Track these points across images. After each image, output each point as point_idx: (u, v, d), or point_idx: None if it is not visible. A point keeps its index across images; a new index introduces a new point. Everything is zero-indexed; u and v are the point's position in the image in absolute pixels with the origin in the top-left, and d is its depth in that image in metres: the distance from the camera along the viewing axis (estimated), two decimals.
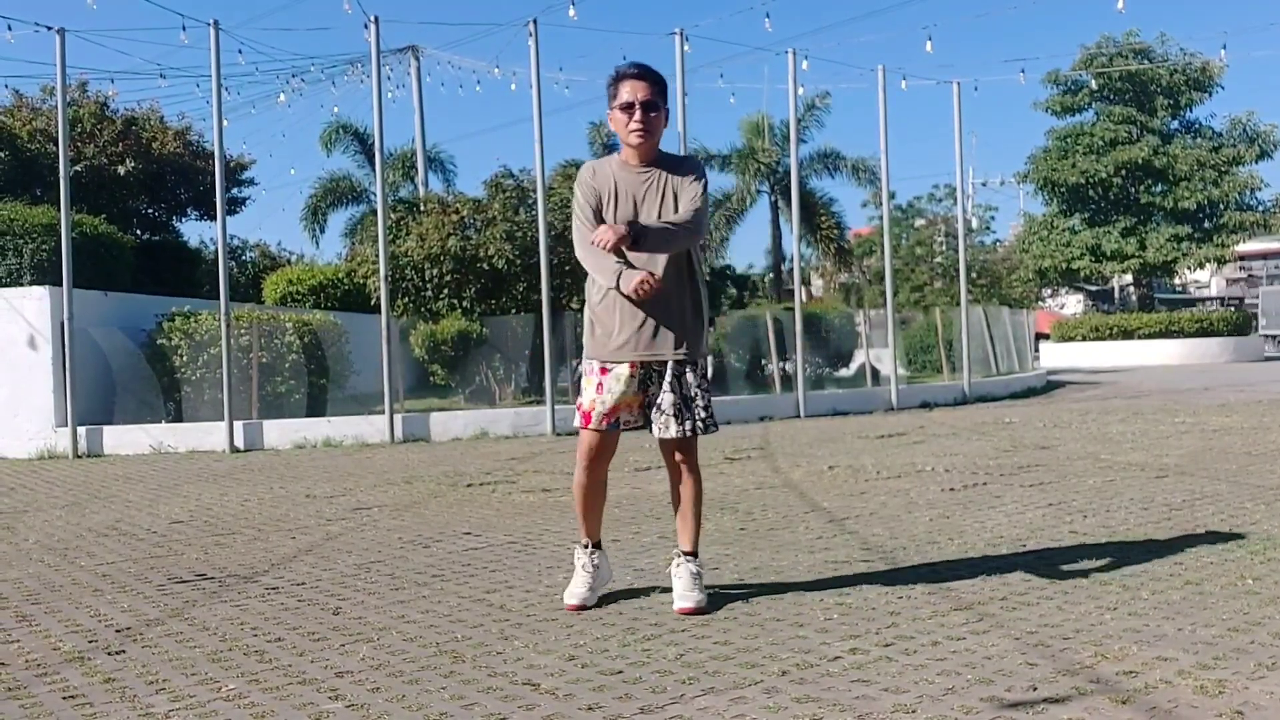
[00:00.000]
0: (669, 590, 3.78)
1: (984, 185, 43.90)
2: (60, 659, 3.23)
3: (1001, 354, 19.44)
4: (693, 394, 3.51)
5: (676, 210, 3.50)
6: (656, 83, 3.51)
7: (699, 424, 3.53)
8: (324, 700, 2.73)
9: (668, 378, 3.49)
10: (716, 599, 3.63)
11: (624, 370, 3.50)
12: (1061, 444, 8.43)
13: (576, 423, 3.62)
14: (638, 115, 3.46)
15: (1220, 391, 15.05)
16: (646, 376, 3.54)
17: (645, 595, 3.74)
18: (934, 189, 34.25)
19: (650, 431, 3.59)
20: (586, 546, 3.71)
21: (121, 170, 19.10)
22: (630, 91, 3.47)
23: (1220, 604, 3.31)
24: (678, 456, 3.57)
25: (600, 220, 3.55)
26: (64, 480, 8.59)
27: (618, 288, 3.40)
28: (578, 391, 3.79)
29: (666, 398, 3.49)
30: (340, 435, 11.03)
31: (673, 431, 3.50)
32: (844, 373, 18.40)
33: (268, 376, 11.66)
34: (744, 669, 2.85)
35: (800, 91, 15.58)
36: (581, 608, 3.57)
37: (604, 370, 3.52)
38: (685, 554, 3.60)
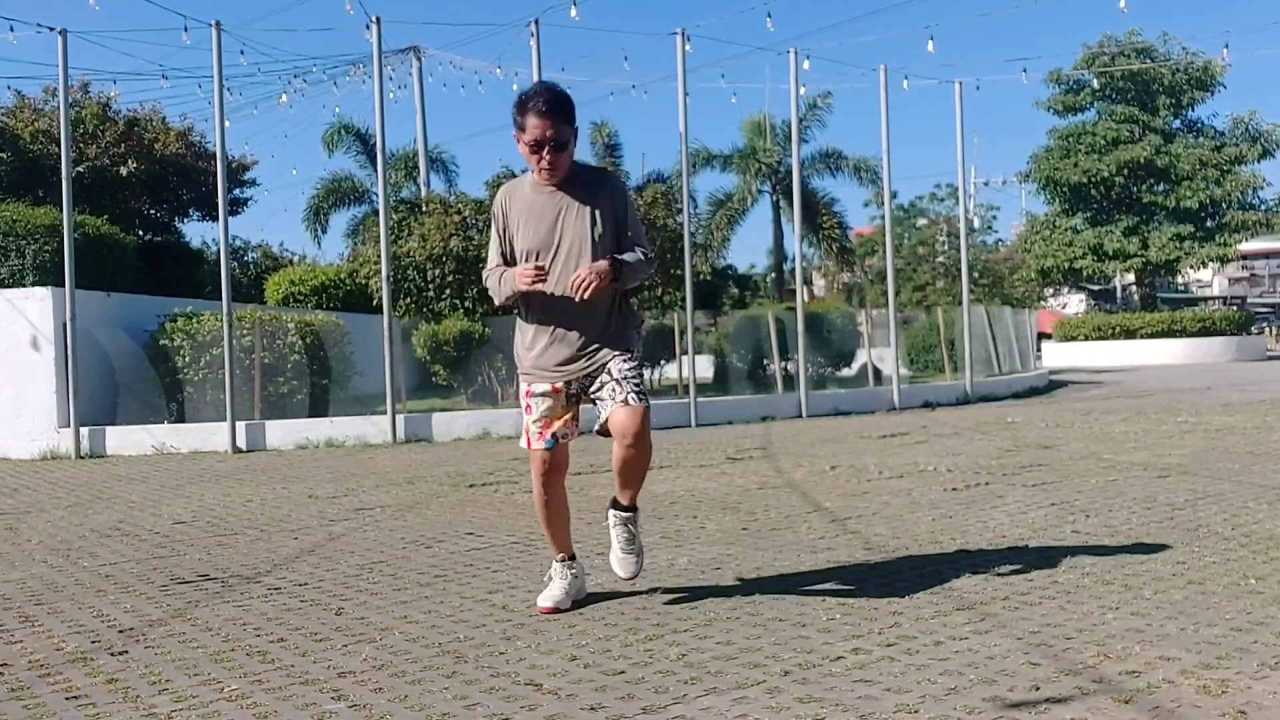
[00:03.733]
0: (671, 590, 3.79)
1: (986, 185, 43.89)
2: (63, 659, 3.23)
3: (1004, 354, 19.43)
4: (622, 372, 3.44)
5: (595, 225, 3.43)
6: (564, 113, 3.37)
7: (631, 395, 3.40)
8: (326, 700, 2.73)
9: (598, 376, 3.47)
10: (717, 599, 3.63)
11: (546, 389, 3.50)
12: (1064, 444, 8.42)
13: (521, 443, 3.63)
14: (547, 157, 3.38)
15: (1223, 391, 15.03)
16: (572, 392, 3.52)
17: (647, 595, 3.74)
18: (936, 188, 34.23)
19: (599, 432, 3.54)
20: (562, 560, 3.69)
21: (124, 171, 19.11)
22: (538, 129, 3.35)
23: (1223, 603, 3.31)
24: (626, 430, 3.40)
25: (509, 250, 3.54)
26: (67, 481, 8.60)
27: (513, 294, 3.46)
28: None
29: (602, 388, 3.46)
30: (343, 436, 11.03)
31: (607, 408, 3.43)
32: (846, 372, 18.40)
33: (270, 377, 11.67)
34: (746, 669, 2.85)
35: (802, 91, 15.59)
36: (555, 610, 3.56)
37: (528, 391, 3.54)
38: (623, 508, 3.62)
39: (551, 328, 3.48)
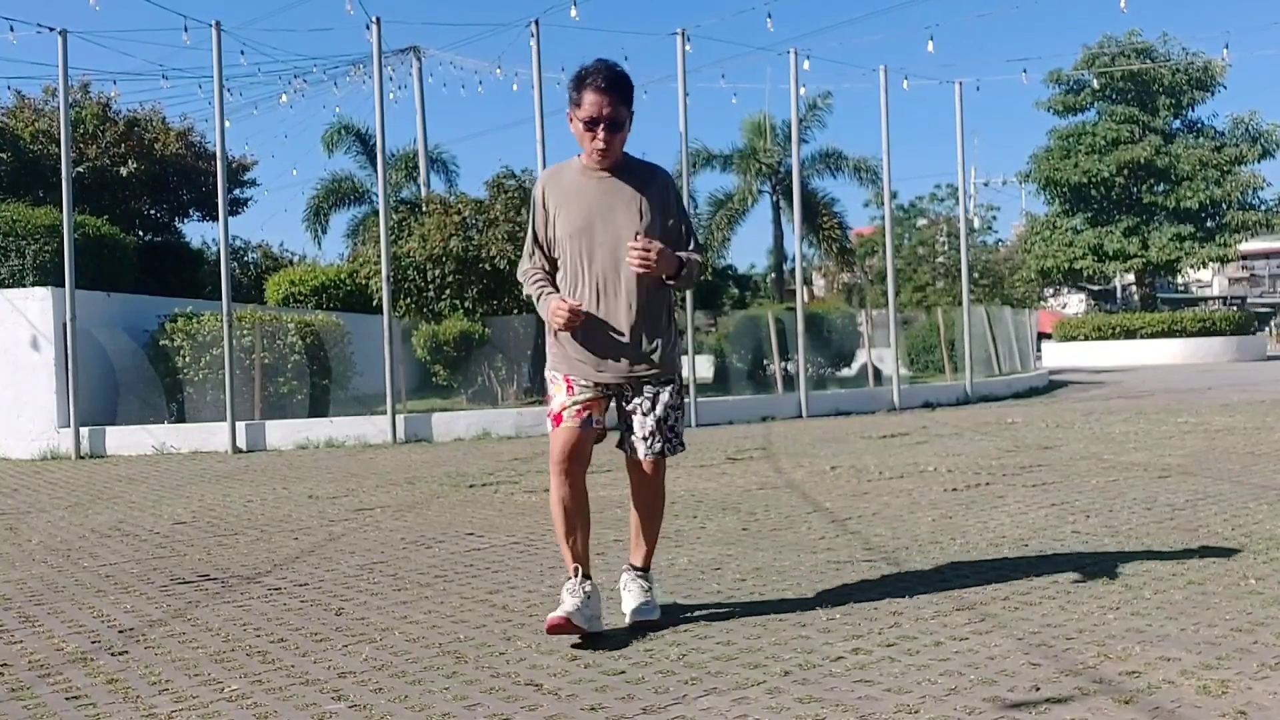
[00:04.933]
0: (670, 591, 3.78)
1: (986, 185, 43.93)
2: (63, 659, 3.23)
3: (1004, 354, 19.43)
4: (665, 414, 3.32)
5: (642, 216, 3.26)
6: (623, 93, 3.22)
7: (668, 446, 3.33)
8: (327, 701, 2.73)
9: (642, 398, 3.31)
10: (717, 599, 3.63)
11: (588, 385, 3.30)
12: (1064, 444, 8.42)
13: (547, 428, 3.37)
14: (602, 135, 3.21)
15: (1223, 391, 15.03)
16: (615, 391, 3.34)
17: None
18: (936, 189, 34.20)
19: (619, 446, 3.41)
20: (574, 575, 3.27)
21: (124, 171, 19.11)
22: (594, 106, 3.18)
23: (1223, 604, 3.31)
24: (644, 474, 3.36)
25: (544, 241, 3.37)
26: (67, 481, 8.60)
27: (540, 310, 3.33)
28: (543, 395, 3.58)
29: (636, 418, 3.31)
30: (343, 436, 11.03)
31: (641, 454, 3.32)
32: (846, 373, 18.41)
33: (270, 377, 11.67)
34: (747, 669, 2.85)
35: (802, 91, 15.59)
36: (568, 622, 3.10)
37: (569, 385, 3.31)
38: (637, 570, 3.42)
39: (598, 327, 3.26)
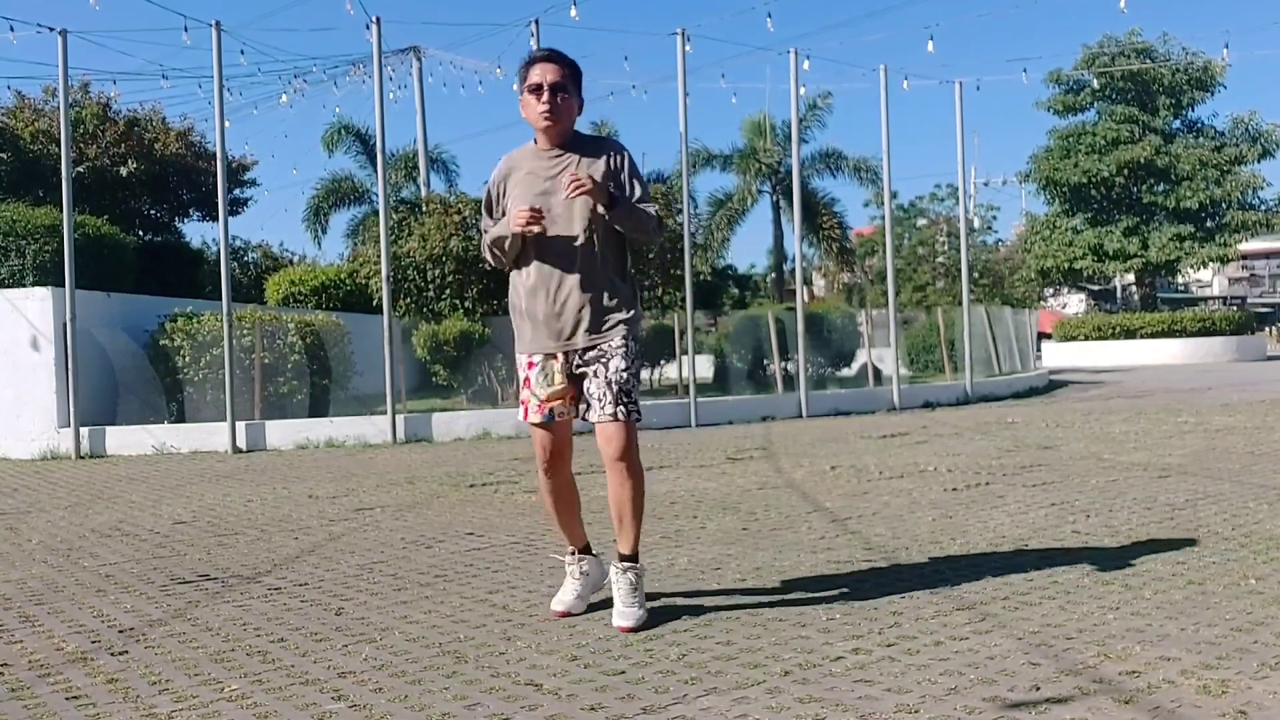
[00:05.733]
0: (670, 591, 3.79)
1: (986, 185, 43.94)
2: (63, 659, 3.23)
3: (1004, 354, 19.44)
4: (616, 377, 3.35)
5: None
6: (568, 66, 3.41)
7: (619, 409, 3.33)
8: (327, 700, 2.73)
9: (595, 364, 3.38)
10: (717, 599, 3.63)
11: (551, 364, 3.41)
12: (1064, 444, 8.42)
13: (519, 417, 3.54)
14: (545, 96, 3.35)
15: (1223, 391, 15.03)
16: (575, 366, 3.42)
17: (647, 596, 3.73)
18: (936, 189, 34.24)
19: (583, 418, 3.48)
20: (572, 553, 3.61)
21: (124, 171, 19.12)
22: (539, 73, 3.37)
23: (1223, 604, 3.31)
24: (610, 451, 3.35)
25: (500, 215, 3.50)
26: (67, 481, 8.60)
27: (510, 245, 3.40)
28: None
29: (592, 383, 3.37)
30: (343, 436, 11.03)
31: (594, 415, 3.36)
32: (846, 373, 18.40)
33: (270, 377, 11.66)
34: (747, 669, 2.85)
35: (802, 91, 15.59)
36: (566, 614, 3.48)
37: (529, 364, 3.46)
38: (623, 558, 3.41)
39: (548, 289, 3.38)
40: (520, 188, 3.44)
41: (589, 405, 3.40)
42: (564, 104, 3.40)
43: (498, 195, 3.53)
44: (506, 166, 3.53)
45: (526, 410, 3.48)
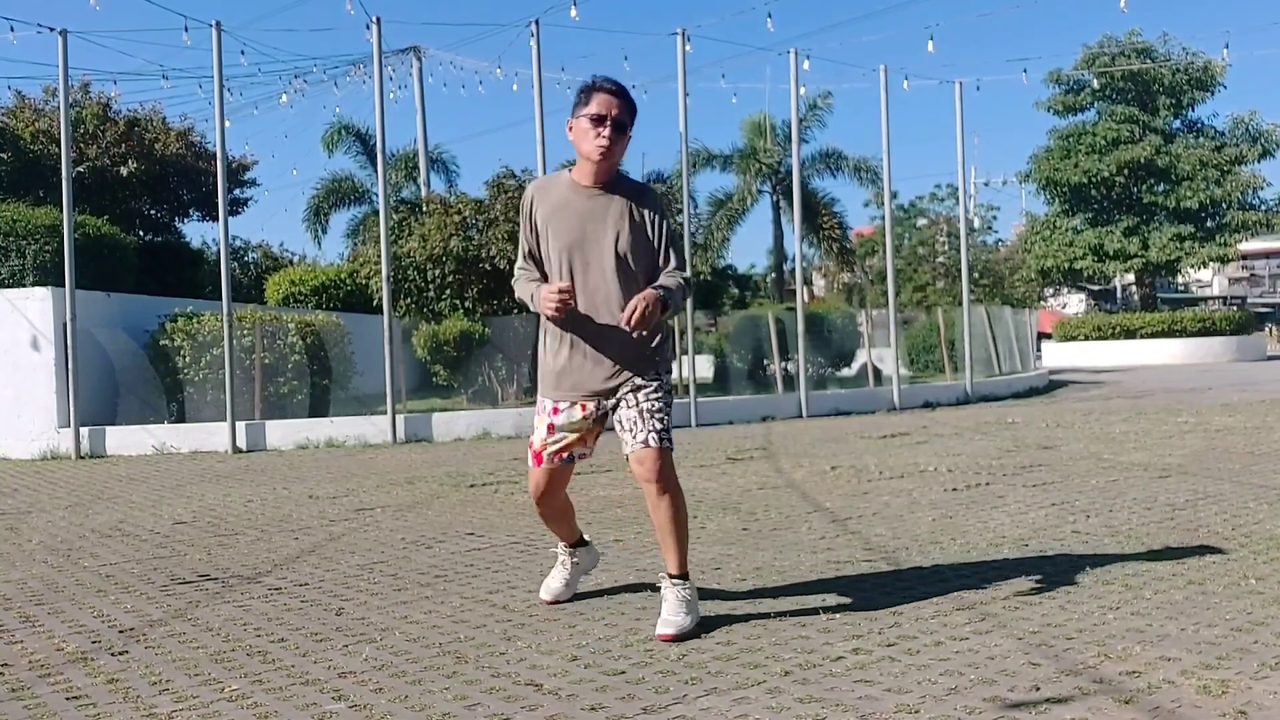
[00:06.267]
0: None
1: (986, 185, 43.95)
2: (64, 659, 3.23)
3: (1004, 354, 19.43)
4: (648, 407, 3.29)
5: (630, 235, 3.31)
6: (630, 106, 3.34)
7: (651, 436, 3.26)
8: (327, 701, 2.73)
9: (628, 395, 3.32)
10: (717, 599, 3.63)
11: (576, 411, 3.37)
12: (1064, 444, 8.42)
13: (529, 461, 3.50)
14: (607, 131, 3.27)
15: (1223, 391, 15.03)
16: (601, 408, 3.38)
17: (647, 595, 3.74)
18: (936, 189, 34.21)
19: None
20: (565, 547, 3.74)
21: (124, 171, 19.11)
22: (604, 105, 3.28)
23: (1223, 604, 3.31)
24: (644, 474, 3.28)
25: (537, 249, 3.43)
26: (67, 481, 8.60)
27: (537, 309, 3.36)
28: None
29: (624, 413, 3.32)
30: (343, 436, 11.03)
31: (628, 447, 3.29)
32: (846, 373, 18.41)
33: (270, 377, 11.67)
34: (747, 669, 2.85)
35: (802, 91, 15.60)
36: (554, 602, 3.63)
37: (555, 410, 3.39)
38: (671, 577, 3.31)
39: (583, 340, 3.33)
40: (558, 224, 3.36)
41: (622, 430, 3.34)
42: (620, 143, 3.33)
43: (531, 229, 3.44)
44: (541, 198, 3.43)
45: (540, 457, 3.44)
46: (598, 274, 3.32)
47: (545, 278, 3.45)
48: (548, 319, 3.36)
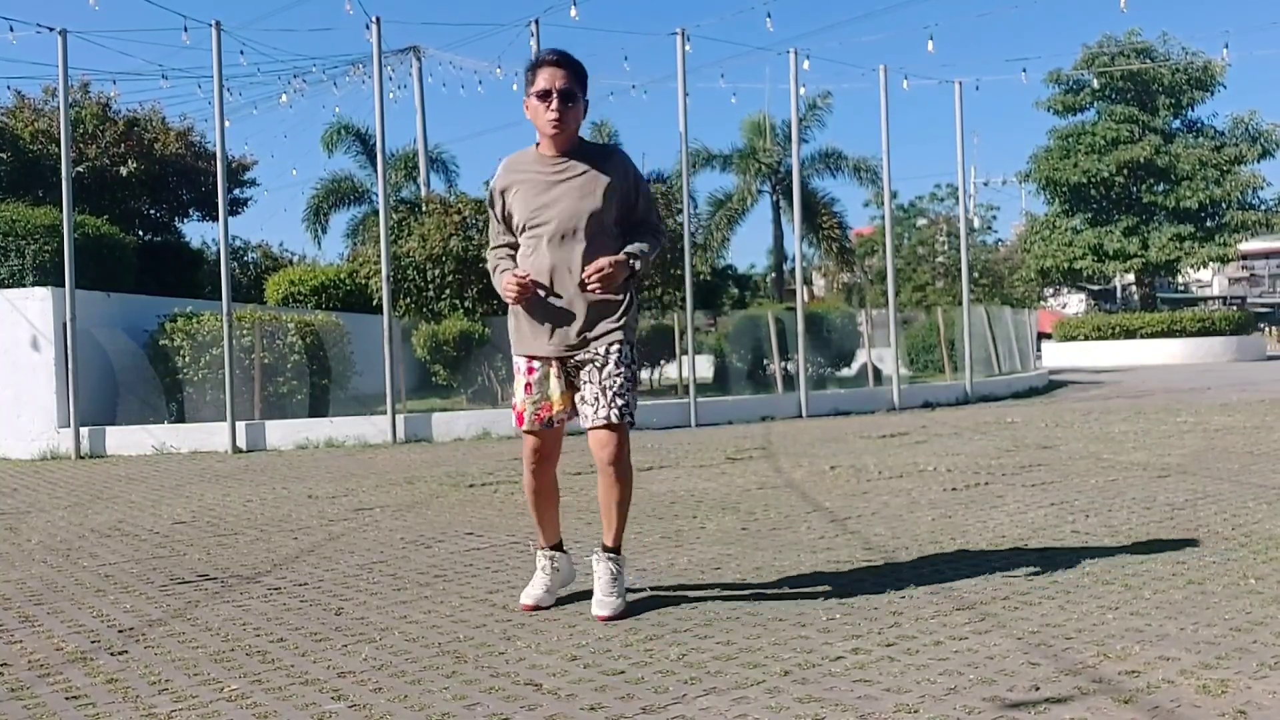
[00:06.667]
0: (671, 590, 3.79)
1: (986, 185, 43.97)
2: (63, 659, 3.23)
3: (1003, 354, 19.44)
4: (611, 382, 3.37)
5: (598, 196, 3.38)
6: (576, 71, 3.39)
7: (612, 412, 3.34)
8: (326, 700, 2.73)
9: (590, 366, 3.40)
10: (717, 599, 3.63)
11: (550, 369, 3.45)
12: (1064, 443, 8.43)
13: (513, 423, 3.55)
14: (554, 104, 3.33)
15: (1222, 391, 15.03)
16: (571, 370, 3.46)
17: (647, 595, 3.74)
18: (936, 188, 34.26)
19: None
20: (545, 551, 3.70)
21: (124, 171, 19.11)
22: (548, 79, 3.34)
23: (1223, 603, 3.31)
24: (602, 456, 3.38)
25: (505, 220, 3.53)
26: (67, 481, 8.60)
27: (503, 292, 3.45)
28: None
29: (587, 388, 3.40)
30: (342, 436, 11.03)
31: (588, 421, 3.40)
32: (846, 372, 18.41)
33: (270, 377, 11.67)
34: (746, 669, 2.85)
35: (802, 91, 15.59)
36: (535, 608, 3.58)
37: (530, 369, 3.47)
38: (606, 549, 3.48)
39: (554, 306, 3.41)
40: (524, 195, 3.44)
41: (583, 404, 3.42)
42: (572, 111, 3.39)
43: (503, 205, 3.53)
44: (508, 174, 3.51)
45: (521, 418, 3.50)
46: (567, 239, 3.39)
47: (518, 249, 3.55)
48: (509, 302, 3.45)
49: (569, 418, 3.52)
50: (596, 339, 3.41)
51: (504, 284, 3.40)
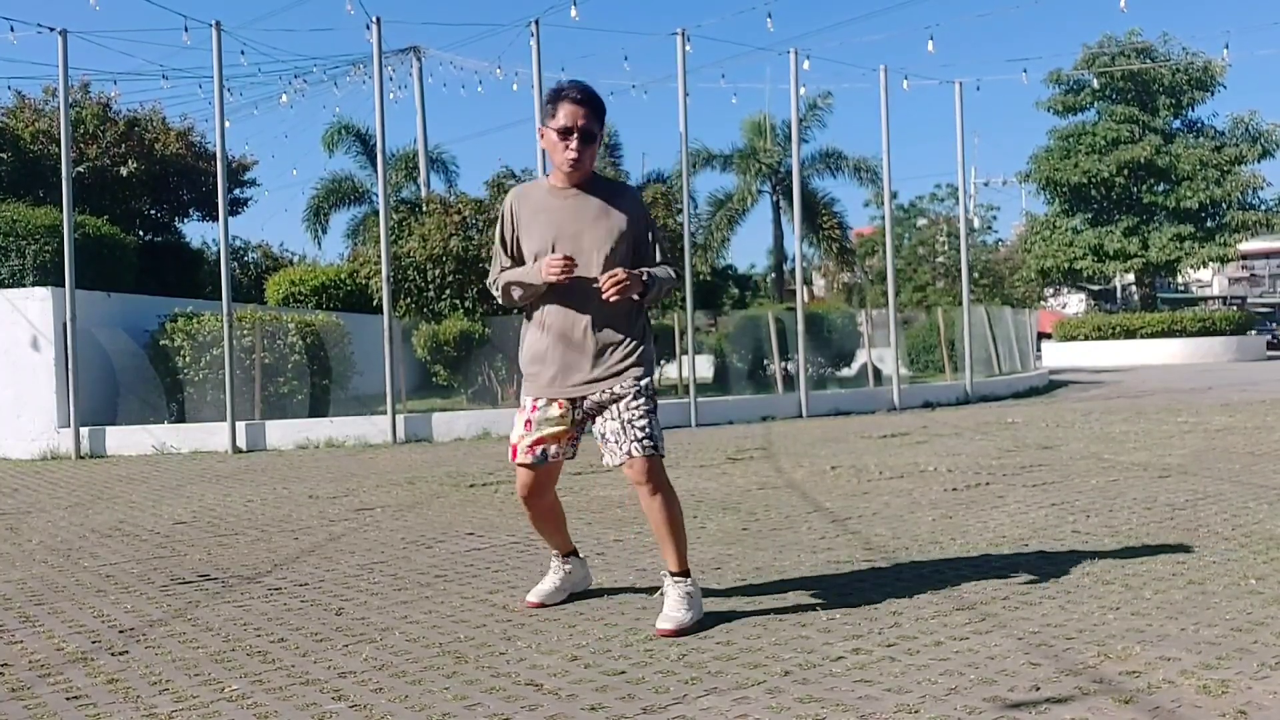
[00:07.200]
0: None
1: (986, 185, 43.98)
2: (64, 659, 3.23)
3: (1004, 354, 19.44)
4: (630, 418, 3.31)
5: (609, 232, 3.35)
6: (597, 109, 3.36)
7: (634, 446, 3.29)
8: (327, 701, 2.73)
9: (609, 406, 3.34)
10: (717, 599, 3.63)
11: (554, 410, 3.40)
12: (1064, 444, 8.43)
13: (509, 456, 3.53)
14: (574, 143, 3.31)
15: (1223, 391, 15.03)
16: (580, 411, 3.40)
17: (647, 595, 3.74)
18: (936, 189, 34.23)
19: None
20: (558, 555, 3.73)
21: (124, 171, 19.10)
22: (569, 116, 3.31)
23: (1223, 604, 3.31)
24: (634, 478, 3.33)
25: (515, 253, 3.48)
26: (67, 481, 8.60)
27: (531, 292, 3.39)
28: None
29: (608, 425, 3.34)
30: (343, 436, 11.03)
31: (613, 460, 3.32)
32: (846, 373, 18.41)
33: (270, 377, 11.67)
34: (747, 669, 2.85)
35: (802, 91, 15.59)
36: (540, 605, 3.60)
37: (534, 407, 3.44)
38: (672, 575, 3.36)
39: (565, 337, 3.36)
40: (537, 227, 3.40)
41: (605, 443, 3.36)
42: (590, 150, 3.37)
43: (511, 234, 3.48)
44: (518, 204, 3.47)
45: (515, 452, 3.46)
46: (580, 271, 3.33)
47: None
48: (548, 284, 3.33)
49: (568, 456, 3.49)
50: (609, 378, 3.35)
51: (547, 263, 3.26)
